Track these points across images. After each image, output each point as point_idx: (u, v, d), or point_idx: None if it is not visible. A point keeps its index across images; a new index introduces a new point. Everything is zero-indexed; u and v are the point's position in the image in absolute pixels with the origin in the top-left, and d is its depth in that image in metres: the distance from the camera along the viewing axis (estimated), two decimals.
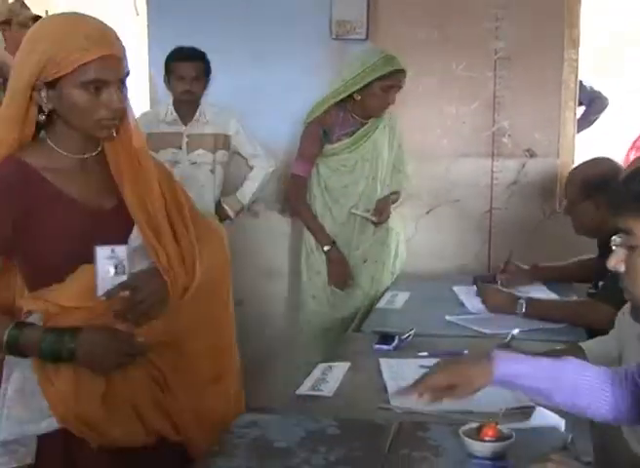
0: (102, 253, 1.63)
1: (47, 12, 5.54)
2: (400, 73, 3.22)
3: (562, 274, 3.14)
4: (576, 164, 3.86)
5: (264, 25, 3.85)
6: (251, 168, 3.73)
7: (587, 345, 2.15)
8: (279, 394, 2.23)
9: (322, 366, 2.18)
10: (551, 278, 3.14)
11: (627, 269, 1.33)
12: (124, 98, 1.64)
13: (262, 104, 3.83)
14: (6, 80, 4.35)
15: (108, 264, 1.62)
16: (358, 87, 3.22)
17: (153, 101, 4.02)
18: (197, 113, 3.59)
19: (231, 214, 3.70)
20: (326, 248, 3.37)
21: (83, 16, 1.65)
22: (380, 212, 3.39)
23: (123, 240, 1.68)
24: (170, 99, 3.59)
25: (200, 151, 3.59)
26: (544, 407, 1.73)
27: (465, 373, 1.57)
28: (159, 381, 1.74)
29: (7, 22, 4.47)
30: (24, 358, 1.65)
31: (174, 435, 1.76)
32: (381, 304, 3.00)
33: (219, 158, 3.63)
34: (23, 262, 1.68)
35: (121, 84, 1.63)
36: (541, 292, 2.98)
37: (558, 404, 1.57)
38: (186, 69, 3.48)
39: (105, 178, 1.71)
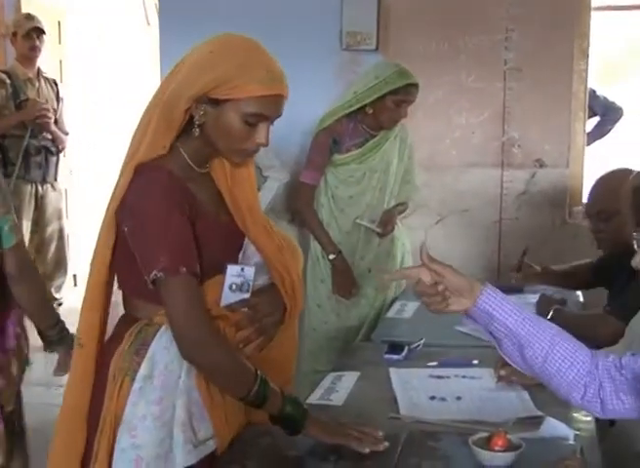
0: (232, 270, 1.66)
1: (59, 23, 5.61)
2: (413, 87, 3.20)
3: (567, 280, 3.07)
4: (585, 174, 3.88)
5: (275, 36, 3.85)
6: (265, 178, 3.75)
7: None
8: None
9: (331, 375, 2.19)
10: (556, 284, 3.07)
11: None
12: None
13: None
14: (15, 90, 4.48)
15: (235, 281, 1.65)
16: (370, 100, 3.20)
17: None
18: None
19: None
20: (331, 256, 3.35)
21: (263, 47, 1.66)
22: (385, 223, 3.36)
23: (237, 254, 1.70)
24: None
25: None
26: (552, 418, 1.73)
27: (455, 282, 1.53)
28: None
29: (14, 34, 4.67)
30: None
31: None
32: (391, 314, 3.00)
33: None
34: None
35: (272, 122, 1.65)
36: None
37: (527, 360, 1.48)
38: None
39: (216, 193, 1.73)
